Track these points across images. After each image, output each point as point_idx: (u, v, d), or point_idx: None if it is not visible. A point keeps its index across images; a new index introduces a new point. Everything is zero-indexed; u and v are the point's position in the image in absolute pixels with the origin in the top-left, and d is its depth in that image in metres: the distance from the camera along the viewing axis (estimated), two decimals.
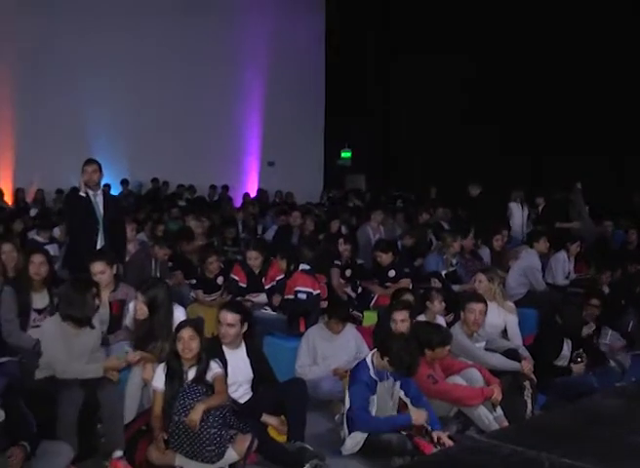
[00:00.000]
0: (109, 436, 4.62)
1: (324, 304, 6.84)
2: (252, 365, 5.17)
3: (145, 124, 16.76)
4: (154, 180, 17.11)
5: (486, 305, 6.08)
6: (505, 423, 5.23)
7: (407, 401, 5.02)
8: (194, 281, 7.67)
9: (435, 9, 18.81)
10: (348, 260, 8.36)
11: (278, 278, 7.36)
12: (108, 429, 4.62)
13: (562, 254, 9.24)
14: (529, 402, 5.56)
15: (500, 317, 6.66)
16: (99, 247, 6.72)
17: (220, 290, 7.47)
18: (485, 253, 9.41)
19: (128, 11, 16.55)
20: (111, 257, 5.88)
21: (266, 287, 7.35)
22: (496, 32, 17.60)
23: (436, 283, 7.39)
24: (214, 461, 4.40)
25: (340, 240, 8.62)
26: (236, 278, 7.37)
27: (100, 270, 5.62)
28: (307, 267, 7.11)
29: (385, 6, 20.64)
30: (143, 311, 5.13)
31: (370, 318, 7.20)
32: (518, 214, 12.23)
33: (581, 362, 6.23)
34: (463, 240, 8.70)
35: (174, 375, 4.60)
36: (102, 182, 7.63)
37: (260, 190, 18.50)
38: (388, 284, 7.89)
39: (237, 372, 5.05)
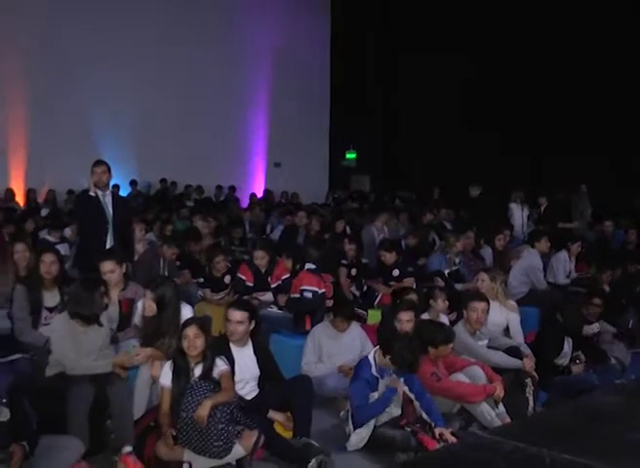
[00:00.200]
0: (119, 432, 4.66)
1: (329, 303, 6.90)
2: (258, 362, 5.20)
3: (154, 126, 16.85)
4: (162, 181, 17.19)
5: (488, 304, 6.12)
6: (507, 420, 5.25)
7: (412, 396, 5.07)
8: (202, 280, 7.75)
9: (436, 9, 18.82)
10: (353, 260, 8.41)
11: (284, 277, 7.45)
12: (118, 425, 4.66)
13: (563, 254, 9.29)
14: (530, 399, 5.59)
15: (502, 315, 6.68)
16: (108, 246, 6.82)
17: (227, 288, 7.55)
18: (487, 252, 9.47)
19: (139, 8, 16.70)
20: (121, 257, 5.96)
21: (273, 286, 7.43)
22: (496, 32, 17.59)
23: (439, 282, 7.42)
24: (221, 456, 4.44)
25: (346, 240, 8.70)
26: (243, 277, 7.45)
27: (110, 269, 5.68)
28: (313, 266, 7.18)
29: (386, 6, 20.65)
30: (152, 308, 5.21)
31: (374, 316, 7.25)
32: (518, 214, 12.30)
33: (580, 363, 6.29)
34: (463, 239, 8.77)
35: (180, 373, 4.65)
36: (112, 183, 7.76)
37: (266, 191, 18.57)
38: (392, 283, 7.92)
39: (244, 370, 5.10)
